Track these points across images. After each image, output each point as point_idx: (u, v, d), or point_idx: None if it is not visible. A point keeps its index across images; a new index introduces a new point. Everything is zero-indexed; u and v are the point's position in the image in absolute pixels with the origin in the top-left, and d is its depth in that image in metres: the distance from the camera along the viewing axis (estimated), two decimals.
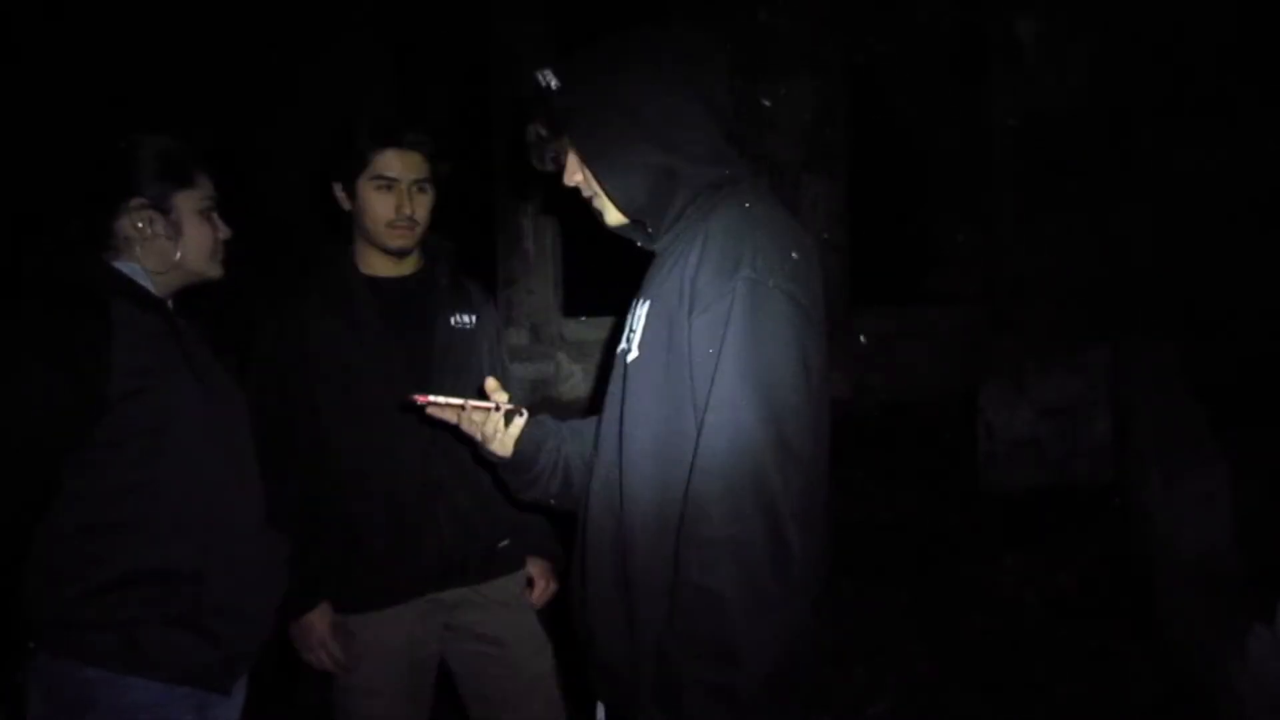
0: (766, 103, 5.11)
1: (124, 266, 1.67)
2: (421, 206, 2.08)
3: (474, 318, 2.20)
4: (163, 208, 1.69)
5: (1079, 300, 4.89)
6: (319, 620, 2.03)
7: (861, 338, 5.27)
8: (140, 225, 1.67)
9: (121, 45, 4.66)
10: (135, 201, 1.67)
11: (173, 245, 1.70)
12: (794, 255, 1.31)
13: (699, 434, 1.27)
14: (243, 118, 5.08)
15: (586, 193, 1.47)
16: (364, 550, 2.04)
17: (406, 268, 2.16)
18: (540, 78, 1.41)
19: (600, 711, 1.56)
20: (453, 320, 2.16)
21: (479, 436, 1.55)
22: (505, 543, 2.17)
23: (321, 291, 2.08)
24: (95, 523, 1.58)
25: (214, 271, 1.78)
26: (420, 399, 1.52)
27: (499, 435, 1.54)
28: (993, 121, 5.23)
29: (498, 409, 1.53)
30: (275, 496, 1.89)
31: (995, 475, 4.68)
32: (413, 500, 2.05)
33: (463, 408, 1.53)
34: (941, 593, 3.77)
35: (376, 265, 2.13)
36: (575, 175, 1.46)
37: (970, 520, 4.39)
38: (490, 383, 1.56)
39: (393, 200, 2.04)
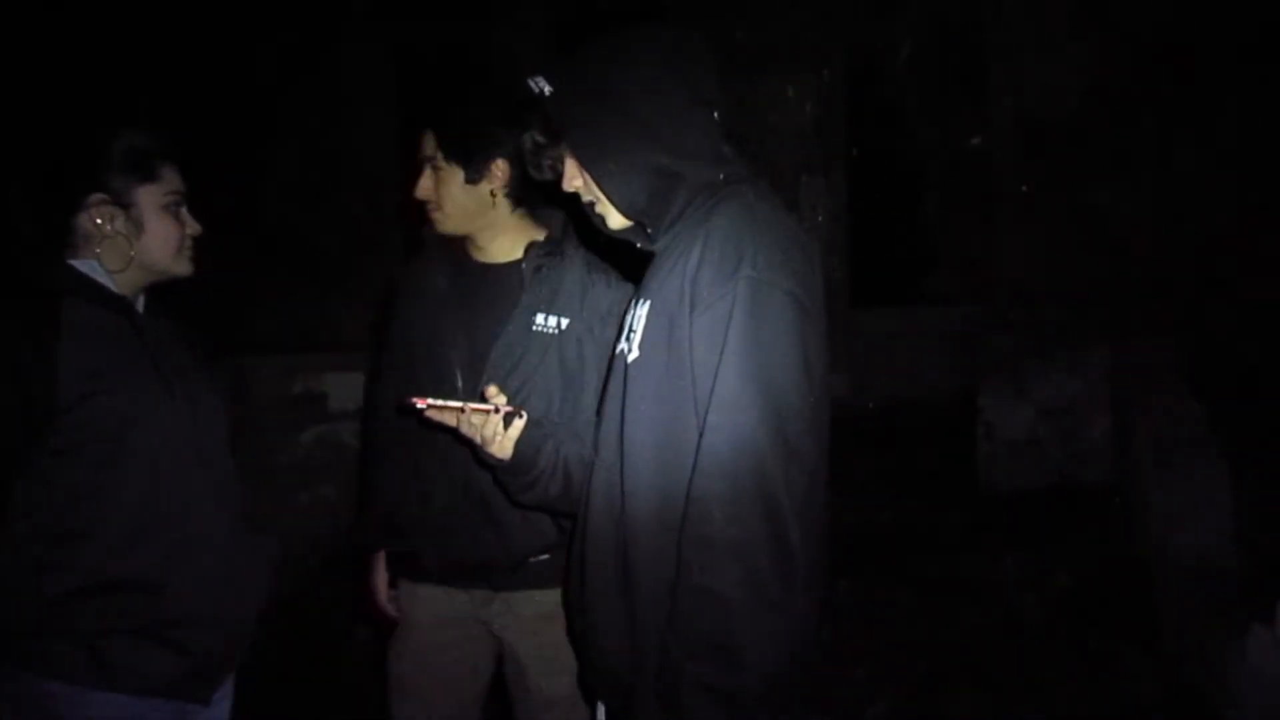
0: (766, 103, 5.10)
1: (82, 264, 1.60)
2: (426, 189, 1.94)
3: (564, 321, 1.91)
4: (123, 203, 1.60)
5: (1079, 300, 4.89)
6: (378, 565, 2.10)
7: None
8: (99, 222, 1.59)
9: (119, 46, 4.66)
10: (95, 197, 1.59)
11: (130, 243, 1.61)
12: (794, 254, 1.30)
13: (700, 435, 1.27)
14: (242, 119, 5.08)
15: (587, 198, 1.45)
16: (426, 517, 1.98)
17: (499, 254, 1.98)
18: (533, 84, 1.39)
19: (600, 712, 1.56)
20: (535, 321, 1.91)
21: (478, 439, 1.54)
22: (544, 557, 1.98)
23: (421, 273, 2.06)
24: (51, 531, 1.52)
25: (180, 268, 1.68)
26: (420, 402, 1.51)
27: (498, 438, 1.53)
28: (992, 121, 5.23)
29: (496, 411, 1.52)
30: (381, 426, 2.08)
31: (995, 475, 4.67)
32: (457, 491, 1.95)
33: (462, 410, 1.52)
34: (942, 593, 3.77)
35: (470, 249, 2.01)
36: (575, 180, 1.45)
37: (970, 520, 4.39)
38: (490, 388, 1.56)
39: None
